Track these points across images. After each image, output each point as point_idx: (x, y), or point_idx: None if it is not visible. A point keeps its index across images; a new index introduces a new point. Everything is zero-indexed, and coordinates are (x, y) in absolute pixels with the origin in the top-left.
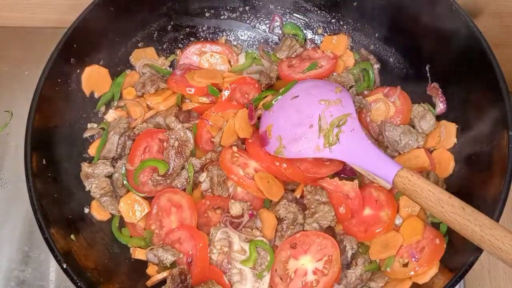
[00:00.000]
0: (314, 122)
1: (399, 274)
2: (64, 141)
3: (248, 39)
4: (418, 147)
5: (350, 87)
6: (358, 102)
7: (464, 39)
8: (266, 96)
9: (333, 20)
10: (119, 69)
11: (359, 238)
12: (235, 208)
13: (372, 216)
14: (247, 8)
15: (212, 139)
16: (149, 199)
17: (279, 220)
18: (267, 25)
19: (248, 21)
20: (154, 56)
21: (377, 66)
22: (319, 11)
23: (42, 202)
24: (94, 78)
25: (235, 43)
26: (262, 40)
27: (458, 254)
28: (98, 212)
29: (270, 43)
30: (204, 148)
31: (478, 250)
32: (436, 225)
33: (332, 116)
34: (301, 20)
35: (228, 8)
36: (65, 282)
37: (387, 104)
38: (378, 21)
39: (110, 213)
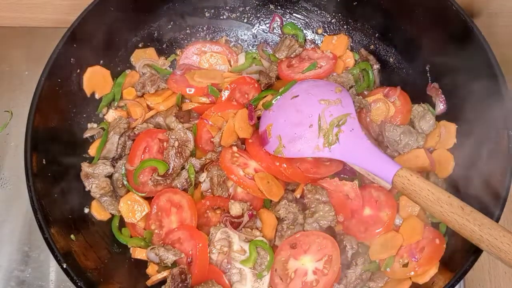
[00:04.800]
0: (314, 122)
1: (399, 274)
2: (64, 141)
3: (248, 39)
4: (418, 147)
5: (350, 87)
6: (358, 102)
7: (464, 39)
8: (265, 96)
9: (333, 20)
10: (119, 69)
11: (359, 238)
12: (235, 208)
13: (372, 216)
14: (247, 8)
15: (212, 139)
16: (149, 199)
17: (279, 220)
18: (267, 25)
19: (248, 21)
20: (154, 56)
21: (377, 66)
22: (319, 11)
23: (42, 202)
24: (96, 78)
25: (235, 43)
26: (262, 40)
27: (458, 254)
28: (98, 212)
29: (270, 43)
30: (204, 148)
31: (478, 250)
32: (436, 225)
33: (331, 116)
34: (301, 20)
35: (228, 8)
36: (65, 282)
37: (387, 104)
38: (378, 21)
39: (110, 213)
